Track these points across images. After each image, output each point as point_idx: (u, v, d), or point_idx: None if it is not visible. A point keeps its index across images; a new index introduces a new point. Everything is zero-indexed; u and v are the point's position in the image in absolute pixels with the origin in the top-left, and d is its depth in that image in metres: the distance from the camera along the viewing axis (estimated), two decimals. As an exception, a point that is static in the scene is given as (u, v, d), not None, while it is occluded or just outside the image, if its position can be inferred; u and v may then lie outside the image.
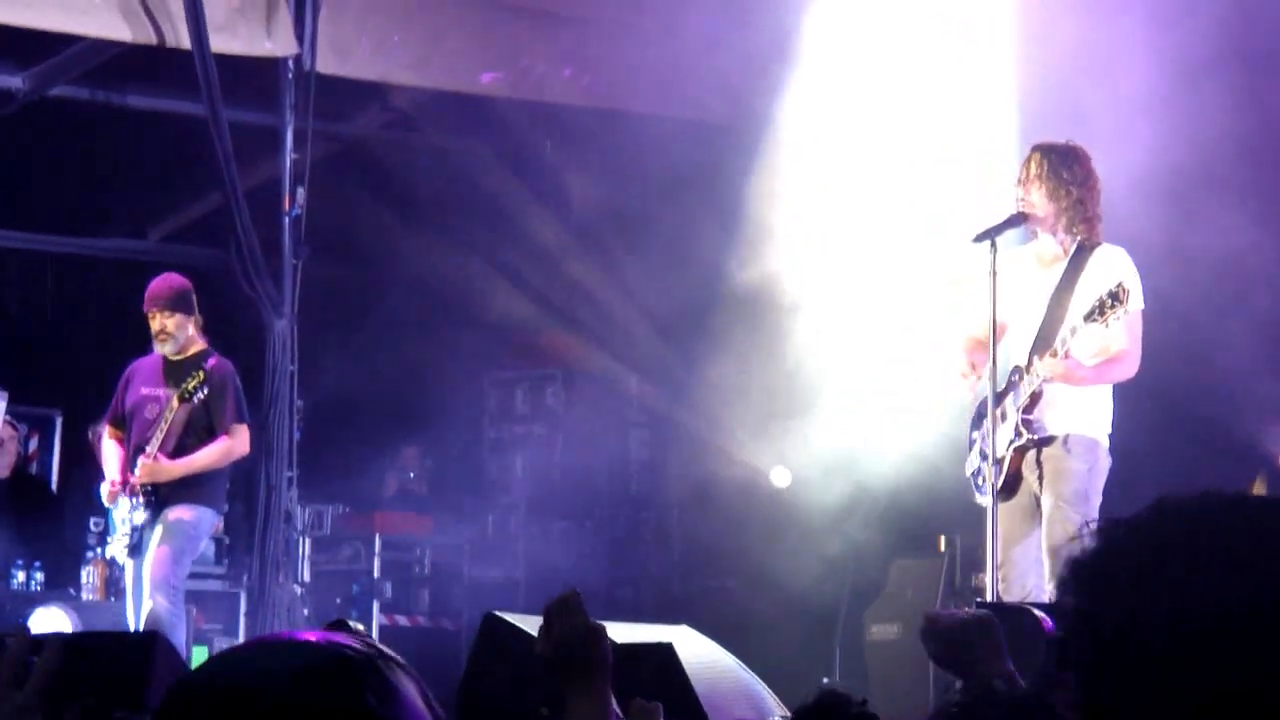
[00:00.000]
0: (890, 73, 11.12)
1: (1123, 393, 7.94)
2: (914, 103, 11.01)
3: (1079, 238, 7.82)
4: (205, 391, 9.61)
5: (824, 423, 11.62)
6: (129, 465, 9.85)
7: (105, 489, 9.95)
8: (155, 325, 9.90)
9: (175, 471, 9.68)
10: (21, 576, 11.85)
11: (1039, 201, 7.81)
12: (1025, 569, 7.75)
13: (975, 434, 8.09)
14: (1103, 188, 7.86)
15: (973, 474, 8.04)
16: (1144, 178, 9.14)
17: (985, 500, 7.83)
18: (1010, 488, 7.80)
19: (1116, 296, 7.34)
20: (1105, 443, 7.80)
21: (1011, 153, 9.41)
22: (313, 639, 1.94)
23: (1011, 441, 7.78)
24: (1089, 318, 7.43)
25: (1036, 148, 7.90)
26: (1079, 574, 1.74)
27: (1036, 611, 6.40)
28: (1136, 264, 7.81)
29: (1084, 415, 7.78)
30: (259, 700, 1.84)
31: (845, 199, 11.33)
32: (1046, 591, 7.55)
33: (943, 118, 10.92)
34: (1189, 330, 9.54)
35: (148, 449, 9.67)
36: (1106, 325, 7.44)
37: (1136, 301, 7.60)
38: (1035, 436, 7.77)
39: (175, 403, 9.63)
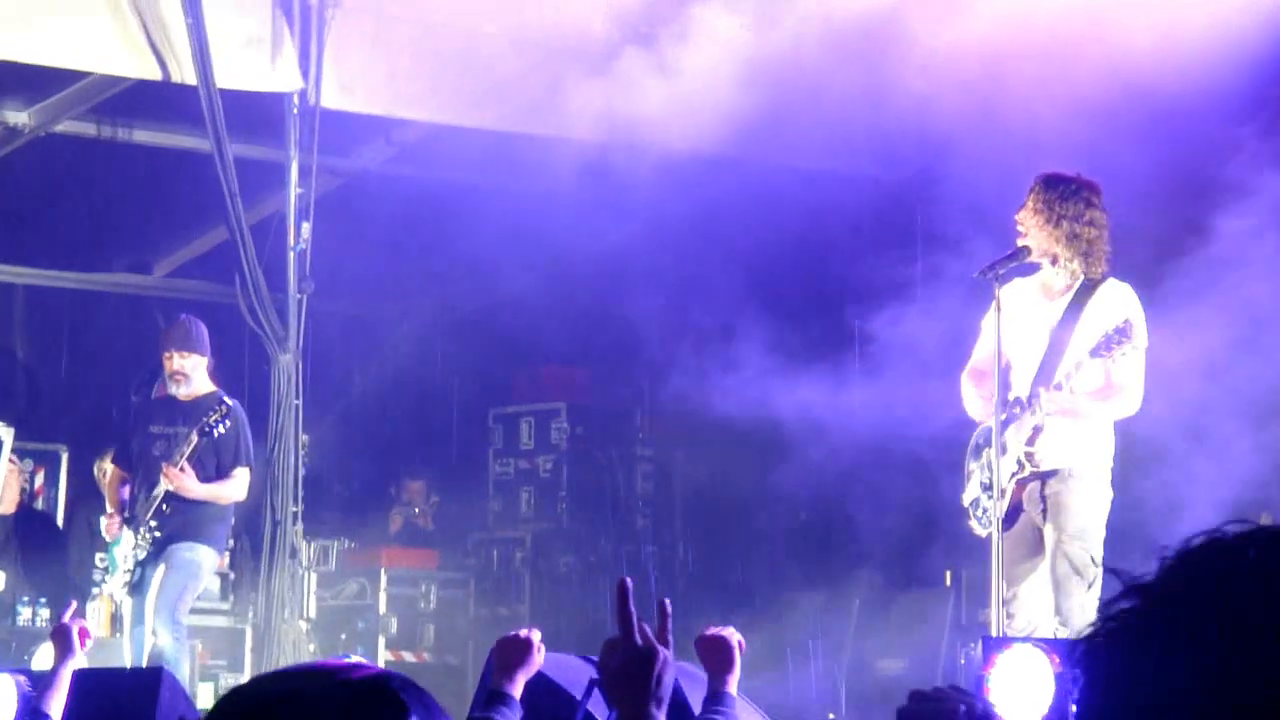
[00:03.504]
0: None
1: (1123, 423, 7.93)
2: None
3: (1082, 272, 7.82)
4: (226, 424, 9.63)
5: (829, 456, 11.60)
6: (130, 504, 9.88)
7: (104, 522, 9.96)
8: (171, 366, 9.90)
9: (197, 491, 9.70)
10: (27, 613, 11.83)
11: (1033, 233, 7.84)
12: (1030, 603, 7.75)
13: (974, 465, 8.10)
14: (1106, 222, 7.86)
15: (971, 504, 8.05)
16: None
17: (981, 530, 7.89)
18: (1010, 519, 7.80)
19: (1124, 332, 7.37)
20: (1107, 476, 7.80)
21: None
22: (359, 663, 2.05)
23: (1014, 474, 7.78)
24: (1095, 353, 7.46)
25: (1038, 179, 7.92)
26: (1097, 654, 1.68)
27: (1039, 647, 6.40)
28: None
29: (1086, 449, 7.78)
30: (310, 711, 1.91)
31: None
32: (1053, 624, 7.55)
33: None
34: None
35: (175, 460, 9.67)
36: (1113, 360, 7.46)
37: (1141, 339, 7.62)
38: (1037, 469, 7.77)
39: (195, 436, 9.64)
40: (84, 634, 6.23)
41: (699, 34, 11.53)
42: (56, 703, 6.17)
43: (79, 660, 6.21)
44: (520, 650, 4.97)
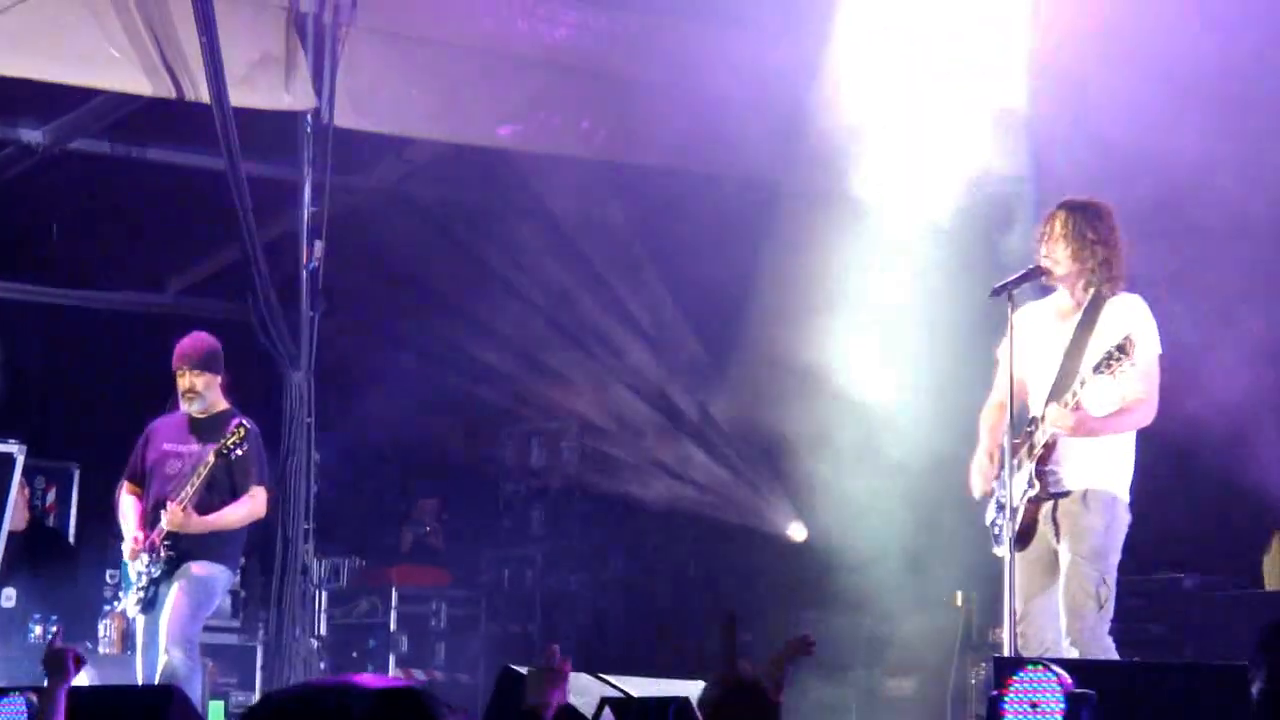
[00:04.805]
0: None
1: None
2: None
3: (1103, 291, 7.82)
4: (244, 448, 9.57)
5: (841, 475, 11.60)
6: (146, 522, 9.82)
7: (127, 547, 9.92)
8: (184, 384, 9.84)
9: (202, 526, 9.63)
10: (39, 630, 11.84)
11: (1062, 260, 7.83)
12: (1044, 623, 7.72)
13: (994, 485, 8.07)
14: (1124, 243, 7.87)
15: (991, 524, 8.02)
16: None
17: (1002, 551, 7.83)
18: (1024, 538, 7.77)
19: (1124, 349, 7.36)
20: (1125, 498, 7.77)
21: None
22: (389, 677, 2.14)
23: (1025, 492, 7.76)
24: (1097, 369, 7.45)
25: (1062, 206, 7.92)
26: None
27: (1056, 668, 6.39)
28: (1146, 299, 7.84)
29: (1102, 471, 7.75)
30: (344, 714, 2.02)
31: (868, 253, 11.34)
32: (1065, 646, 7.53)
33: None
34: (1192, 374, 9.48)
35: (180, 497, 9.62)
36: (1114, 377, 7.45)
37: (1149, 349, 7.61)
38: (1050, 490, 7.75)
39: (212, 457, 9.58)
40: (80, 661, 6.23)
41: (715, 56, 11.57)
42: None
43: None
44: (557, 681, 5.00)
